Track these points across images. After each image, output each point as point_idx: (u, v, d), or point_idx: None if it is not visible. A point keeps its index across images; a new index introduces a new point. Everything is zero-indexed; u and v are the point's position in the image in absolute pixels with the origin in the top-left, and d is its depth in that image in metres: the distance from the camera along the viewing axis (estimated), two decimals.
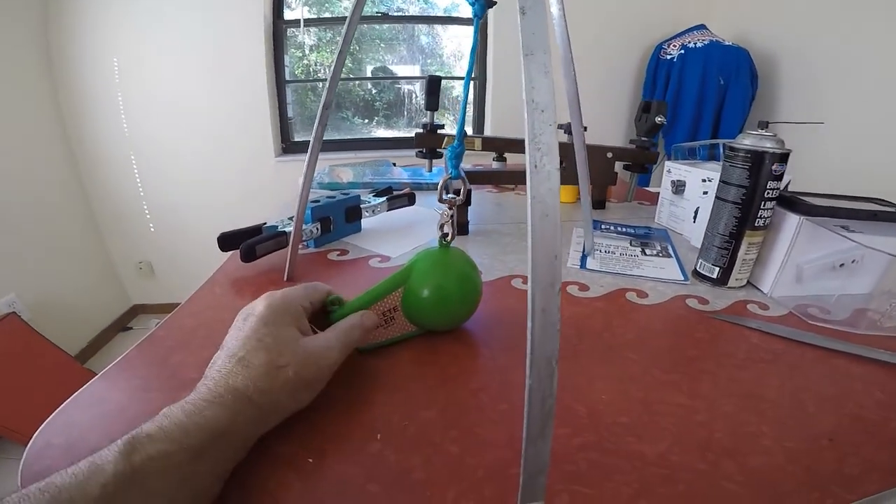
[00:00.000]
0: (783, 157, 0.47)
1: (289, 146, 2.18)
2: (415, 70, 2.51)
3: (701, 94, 1.65)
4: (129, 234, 2.19)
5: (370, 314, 0.37)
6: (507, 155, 1.04)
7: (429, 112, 0.74)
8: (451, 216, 0.40)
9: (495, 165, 1.06)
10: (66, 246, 1.99)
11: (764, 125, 0.48)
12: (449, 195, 0.40)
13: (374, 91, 2.56)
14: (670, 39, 1.81)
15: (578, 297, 0.51)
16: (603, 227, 0.73)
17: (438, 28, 2.38)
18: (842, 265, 0.51)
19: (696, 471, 0.28)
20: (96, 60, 1.86)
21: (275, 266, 0.57)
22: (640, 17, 1.94)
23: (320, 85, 2.37)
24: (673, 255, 0.62)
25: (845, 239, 0.46)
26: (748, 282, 0.54)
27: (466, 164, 1.15)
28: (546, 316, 0.19)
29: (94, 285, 2.14)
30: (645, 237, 0.68)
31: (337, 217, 0.68)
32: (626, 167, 0.82)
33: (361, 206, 0.71)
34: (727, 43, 1.67)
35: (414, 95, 2.57)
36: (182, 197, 2.12)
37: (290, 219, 0.66)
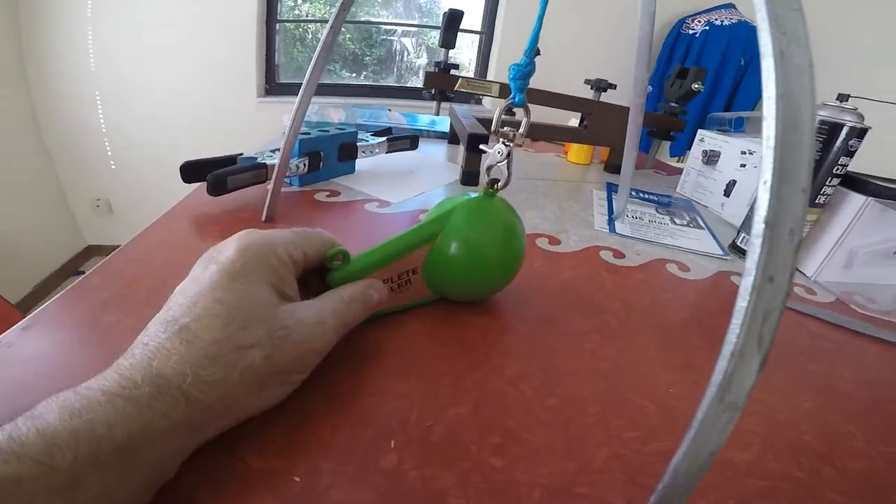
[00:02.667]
0: (862, 133, 0.42)
1: (273, 87, 2.03)
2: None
3: (719, 72, 1.61)
4: (87, 169, 2.01)
5: (380, 285, 0.28)
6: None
7: (443, 49, 0.65)
8: (509, 154, 0.31)
9: (505, 117, 0.97)
10: (10, 178, 1.80)
11: (844, 98, 0.43)
12: (507, 128, 0.31)
13: (363, 45, 2.41)
14: (695, 15, 1.75)
15: (616, 264, 0.44)
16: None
17: None
18: (895, 252, 0.46)
19: (796, 480, 0.23)
20: None
21: (249, 204, 0.48)
22: None
23: (310, 35, 2.21)
24: (705, 227, 0.56)
25: None
26: None
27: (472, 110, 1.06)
28: (774, 285, 0.12)
29: (42, 223, 1.95)
30: (669, 206, 0.62)
31: (328, 154, 0.58)
32: (650, 134, 0.76)
33: (358, 144, 0.61)
34: (754, 24, 1.62)
35: (406, 52, 2.43)
36: (150, 134, 1.95)
37: (273, 151, 0.57)
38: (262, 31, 1.89)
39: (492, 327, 0.32)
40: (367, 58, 2.44)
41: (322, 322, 0.23)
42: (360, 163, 0.64)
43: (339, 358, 0.26)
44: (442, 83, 0.66)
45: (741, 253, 0.49)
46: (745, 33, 1.61)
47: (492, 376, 0.27)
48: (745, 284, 0.13)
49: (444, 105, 0.77)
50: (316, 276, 0.27)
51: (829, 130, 0.42)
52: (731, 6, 1.77)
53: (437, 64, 0.65)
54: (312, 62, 0.37)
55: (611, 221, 0.53)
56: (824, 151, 0.43)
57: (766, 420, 0.27)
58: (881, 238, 0.45)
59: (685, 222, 0.57)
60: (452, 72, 0.67)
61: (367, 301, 0.26)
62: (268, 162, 0.52)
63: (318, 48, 0.37)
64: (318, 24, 2.23)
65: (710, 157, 0.64)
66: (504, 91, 0.70)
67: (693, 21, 1.73)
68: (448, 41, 0.63)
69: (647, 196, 0.65)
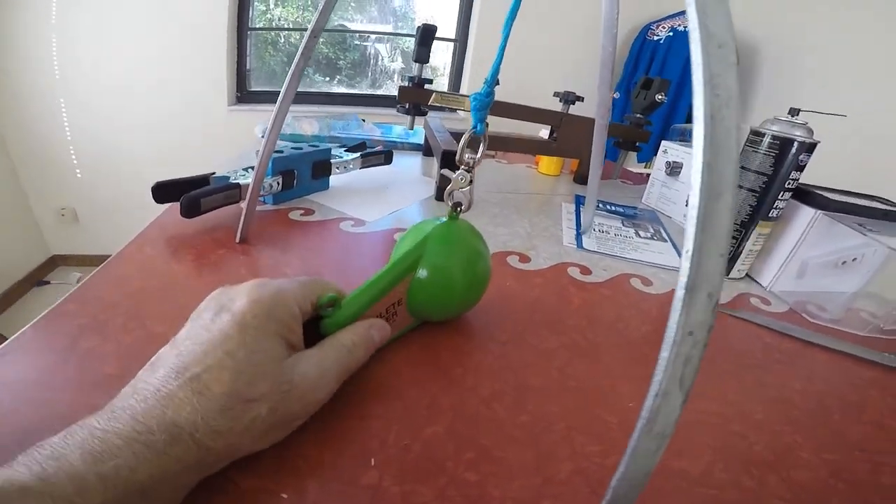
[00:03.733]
0: (811, 147, 0.44)
1: (244, 95, 2.00)
2: (386, 29, 2.37)
3: (683, 78, 1.64)
4: (52, 177, 1.95)
5: (381, 324, 0.28)
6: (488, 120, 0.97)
7: (417, 64, 0.66)
8: (471, 181, 0.33)
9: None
10: None
11: (795, 112, 0.45)
12: (470, 155, 0.32)
13: (337, 49, 2.40)
14: (660, 21, 1.79)
15: (583, 281, 0.46)
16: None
17: None
18: (843, 263, 0.49)
19: (743, 488, 0.25)
20: None
21: (223, 224, 0.48)
22: None
23: (282, 39, 2.18)
24: (668, 239, 0.58)
25: (854, 236, 0.44)
26: (746, 274, 0.51)
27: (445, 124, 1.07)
28: (693, 338, 0.14)
29: (3, 232, 1.88)
30: (634, 217, 0.65)
31: (302, 171, 0.59)
32: (616, 144, 0.78)
33: (332, 160, 0.62)
34: None
35: (380, 57, 2.43)
36: (117, 142, 1.89)
37: (246, 169, 0.57)
38: (232, 40, 1.86)
39: (465, 348, 0.34)
40: (341, 62, 2.43)
41: (324, 374, 0.24)
42: (335, 179, 0.65)
43: None
44: (416, 97, 0.67)
45: None
46: None
47: (466, 396, 0.29)
48: (668, 338, 0.14)
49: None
50: (313, 321, 0.27)
51: (781, 146, 0.44)
52: None
53: (411, 79, 0.66)
54: (282, 93, 0.38)
55: (578, 237, 0.55)
56: (776, 166, 0.45)
57: (718, 431, 0.29)
58: (830, 249, 0.48)
59: (649, 235, 0.59)
60: (426, 86, 0.67)
61: (369, 343, 0.27)
62: (241, 182, 0.52)
63: (287, 78, 0.37)
64: (290, 27, 2.21)
65: (674, 169, 0.67)
66: None
67: (658, 27, 1.77)
68: (422, 56, 0.64)
69: (613, 208, 0.68)
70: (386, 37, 2.36)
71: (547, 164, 0.83)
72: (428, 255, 0.31)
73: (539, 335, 0.36)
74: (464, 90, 2.11)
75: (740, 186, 0.46)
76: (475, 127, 0.32)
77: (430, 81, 0.67)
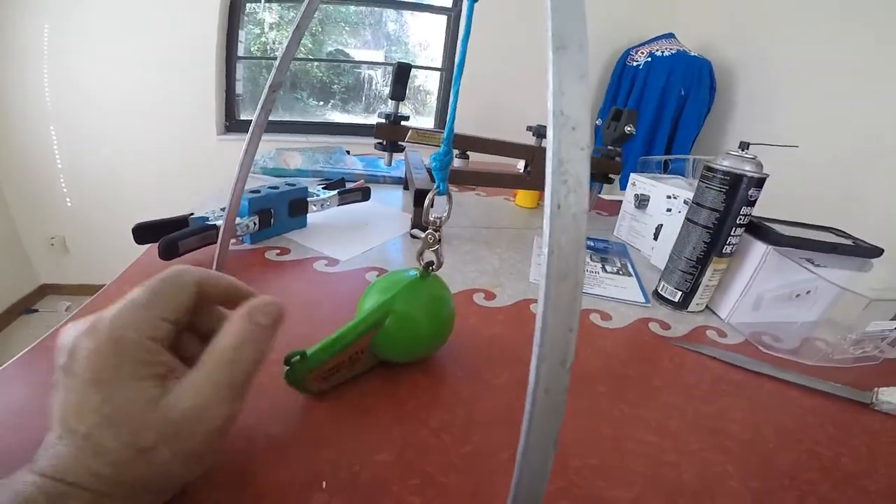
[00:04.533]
0: (760, 182, 0.46)
1: (233, 124, 2.04)
2: (378, 56, 2.42)
3: (661, 103, 1.68)
4: (41, 206, 1.96)
5: (265, 303, 0.24)
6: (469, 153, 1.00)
7: (393, 101, 0.68)
8: (439, 240, 0.34)
9: (457, 163, 1.01)
10: None
11: (745, 146, 0.47)
12: (435, 216, 0.34)
13: (331, 73, 2.45)
14: (638, 46, 1.83)
15: None
16: None
17: (407, 15, 2.29)
18: (797, 295, 0.51)
19: None
20: (25, 24, 1.63)
21: (200, 263, 0.49)
22: (609, 22, 1.95)
23: (275, 64, 2.23)
24: (633, 273, 0.60)
25: (802, 271, 0.46)
26: (706, 306, 0.53)
27: (424, 159, 1.10)
28: (550, 398, 0.15)
29: None
30: (604, 252, 0.67)
31: (279, 210, 0.61)
32: (591, 177, 0.80)
33: (309, 199, 0.64)
34: (693, 53, 1.71)
35: (375, 81, 2.48)
36: (107, 170, 1.92)
37: (224, 209, 0.59)
38: (221, 69, 1.90)
39: (422, 382, 0.35)
40: (335, 86, 2.47)
41: (206, 403, 0.21)
42: (313, 216, 0.66)
43: (276, 413, 0.30)
44: (392, 134, 0.69)
45: (663, 300, 0.53)
46: (683, 63, 1.68)
47: (416, 426, 0.31)
48: (528, 395, 0.15)
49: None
50: (203, 317, 0.25)
51: (731, 181, 0.45)
52: (671, 36, 1.85)
53: (387, 116, 0.68)
54: (250, 133, 0.40)
55: None
56: (727, 202, 0.46)
57: (652, 461, 0.31)
58: (783, 283, 0.49)
59: (615, 269, 0.61)
60: (403, 123, 0.70)
61: (257, 335, 0.23)
62: (218, 223, 0.54)
63: (248, 136, 0.39)
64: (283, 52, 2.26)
65: (641, 201, 0.69)
66: (455, 140, 0.74)
67: (636, 52, 1.81)
68: (397, 93, 0.66)
69: None
70: (381, 60, 2.40)
71: (523, 196, 0.86)
72: (395, 311, 0.33)
73: (493, 370, 0.38)
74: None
75: (695, 223, 0.48)
76: (438, 187, 0.34)
77: (406, 118, 0.69)
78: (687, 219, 0.49)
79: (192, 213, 0.57)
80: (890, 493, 0.30)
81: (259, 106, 0.38)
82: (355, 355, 0.33)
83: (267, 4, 2.01)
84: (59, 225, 2.01)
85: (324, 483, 0.26)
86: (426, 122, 2.40)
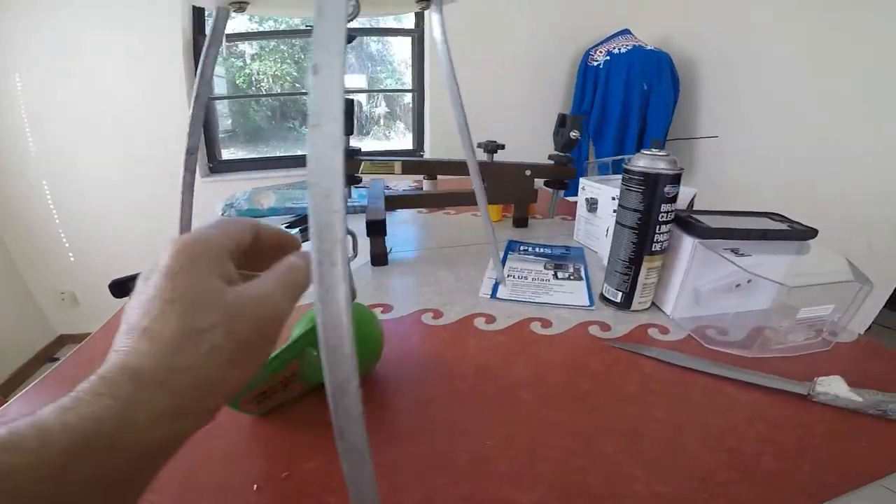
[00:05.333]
0: (675, 178, 0.47)
1: (216, 165, 2.05)
2: (362, 79, 2.46)
3: (626, 100, 1.68)
4: (48, 264, 2.03)
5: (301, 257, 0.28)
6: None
7: (345, 136, 0.71)
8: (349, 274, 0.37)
9: (426, 186, 1.04)
10: None
11: (659, 145, 0.48)
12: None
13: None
14: (597, 46, 1.84)
15: (484, 330, 0.49)
16: (521, 248, 0.72)
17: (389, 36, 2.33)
18: (738, 285, 0.52)
19: None
20: None
21: None
22: (566, 24, 1.97)
23: (264, 94, 2.29)
24: (584, 277, 0.61)
25: (727, 262, 0.46)
26: (653, 303, 0.54)
27: (401, 185, 1.13)
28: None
29: (9, 315, 1.97)
30: (561, 258, 0.68)
31: None
32: (546, 184, 0.82)
33: None
34: (649, 47, 1.72)
35: (362, 105, 2.52)
36: (103, 224, 1.97)
37: None
38: (198, 112, 1.94)
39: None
40: None
41: (271, 292, 0.23)
42: None
43: (226, 427, 0.34)
44: (347, 168, 0.72)
45: (608, 302, 0.54)
46: (641, 58, 1.68)
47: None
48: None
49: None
50: (255, 258, 0.27)
51: (647, 181, 0.46)
52: (627, 32, 1.86)
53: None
54: (181, 202, 0.43)
55: (496, 286, 0.59)
56: (647, 202, 0.47)
57: (561, 466, 0.32)
58: (717, 276, 0.50)
59: (567, 275, 0.62)
60: (356, 157, 0.73)
61: (304, 265, 0.26)
62: None
63: (182, 184, 0.42)
64: (269, 82, 2.31)
65: (592, 205, 0.71)
66: (406, 168, 0.76)
67: (596, 52, 1.82)
68: (346, 128, 0.69)
69: (540, 250, 0.71)
70: (364, 84, 2.44)
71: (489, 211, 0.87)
72: (314, 342, 0.35)
73: (426, 385, 0.40)
74: (427, 138, 2.16)
75: (623, 225, 0.50)
76: None
77: (358, 151, 0.72)
78: (616, 221, 0.51)
79: None
80: (808, 492, 0.30)
81: (182, 167, 0.41)
82: (285, 380, 0.35)
83: (239, 41, 2.07)
84: (66, 279, 2.08)
85: (255, 486, 0.30)
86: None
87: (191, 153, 0.41)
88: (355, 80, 2.47)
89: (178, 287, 0.21)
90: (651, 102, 1.67)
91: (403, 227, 0.86)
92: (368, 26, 2.19)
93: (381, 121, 2.52)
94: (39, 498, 0.16)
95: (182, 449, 0.28)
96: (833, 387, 0.38)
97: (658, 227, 0.48)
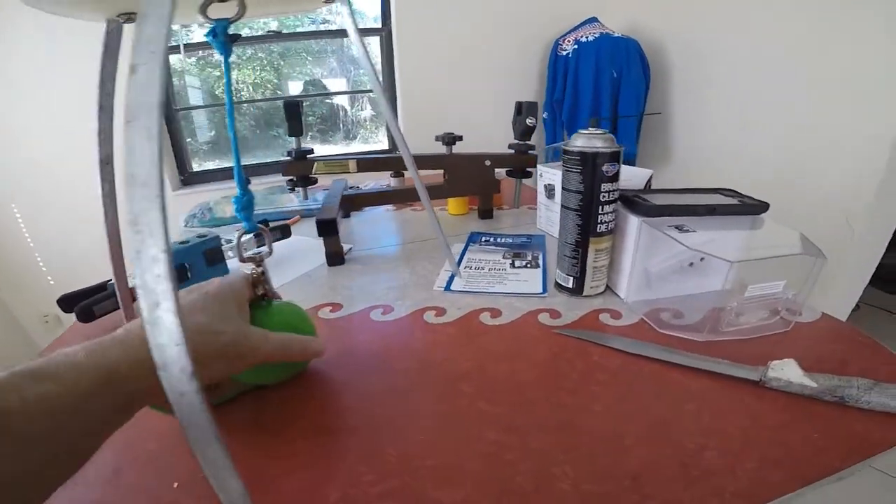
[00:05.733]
0: (614, 156, 0.45)
1: (188, 177, 2.03)
2: (341, 83, 2.45)
3: (597, 88, 1.67)
4: (28, 287, 2.01)
5: (319, 344, 0.38)
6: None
7: (294, 138, 0.70)
8: (262, 273, 0.36)
9: (393, 183, 1.03)
10: None
11: (595, 123, 0.47)
12: (250, 252, 0.36)
13: (304, 106, 2.49)
14: (565, 35, 1.82)
15: (433, 323, 0.48)
16: (483, 239, 0.71)
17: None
18: (691, 264, 0.51)
19: None
20: None
21: (117, 324, 0.52)
22: (535, 14, 1.94)
23: (244, 105, 2.27)
24: (541, 265, 0.60)
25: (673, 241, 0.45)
26: (608, 287, 0.53)
27: (370, 182, 1.11)
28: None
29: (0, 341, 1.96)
30: (521, 247, 0.67)
31: (195, 262, 0.62)
32: (508, 173, 0.81)
33: (224, 247, 0.66)
34: (616, 34, 1.71)
35: (347, 109, 2.51)
36: (77, 245, 1.95)
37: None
38: (161, 126, 1.90)
39: (291, 397, 0.38)
40: (311, 117, 2.50)
41: (269, 339, 0.33)
42: (235, 262, 0.68)
43: (160, 431, 0.34)
44: (300, 169, 0.71)
45: (561, 288, 0.53)
46: (609, 46, 1.67)
47: (271, 438, 0.34)
48: None
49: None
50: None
51: (585, 161, 0.45)
52: (594, 20, 1.84)
53: (289, 153, 0.70)
54: (103, 207, 0.41)
55: (451, 278, 0.58)
56: (587, 182, 0.46)
57: (491, 461, 0.31)
58: (667, 255, 0.49)
59: (525, 263, 0.61)
60: (309, 157, 0.71)
61: (307, 346, 0.37)
62: (131, 283, 0.57)
63: (102, 195, 0.41)
64: (249, 90, 2.30)
65: (550, 191, 0.70)
66: (362, 165, 0.75)
67: (564, 41, 1.80)
68: (294, 130, 0.68)
69: (501, 240, 0.70)
70: (345, 87, 2.43)
71: (453, 204, 0.87)
72: None
73: (367, 381, 0.40)
74: (404, 132, 2.14)
75: (567, 207, 0.49)
76: (245, 226, 0.35)
77: (311, 151, 0.71)
78: (561, 205, 0.50)
79: (110, 280, 0.59)
80: (749, 493, 0.27)
81: (100, 179, 0.40)
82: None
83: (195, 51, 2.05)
84: (47, 303, 2.06)
85: (175, 484, 0.30)
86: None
87: (106, 163, 0.40)
88: (336, 84, 2.46)
89: (215, 303, 0.31)
90: (622, 89, 1.65)
91: (367, 226, 0.85)
92: (335, 28, 2.18)
93: (367, 124, 2.50)
94: (68, 419, 0.21)
95: (112, 450, 0.31)
96: (786, 372, 0.35)
97: (601, 207, 0.47)
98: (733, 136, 1.59)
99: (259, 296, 0.37)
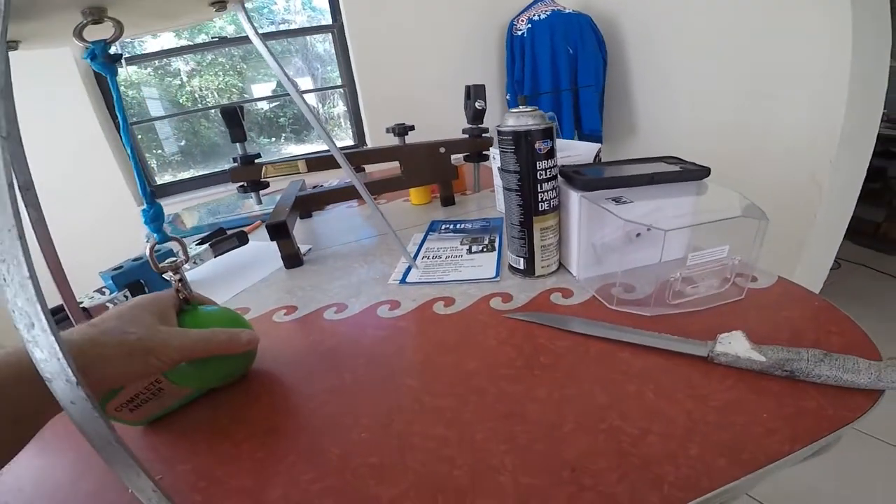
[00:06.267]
0: (546, 133, 0.45)
1: (153, 191, 1.97)
2: (307, 81, 2.40)
3: (554, 66, 1.66)
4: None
5: (253, 335, 0.39)
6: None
7: (238, 144, 0.69)
8: (180, 280, 0.37)
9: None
10: None
11: (524, 101, 0.46)
12: (167, 260, 0.36)
13: (274, 108, 2.44)
14: (519, 14, 1.80)
15: (386, 318, 0.48)
16: (443, 227, 0.71)
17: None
18: (638, 235, 0.50)
19: None
20: None
21: None
22: None
23: (212, 112, 2.23)
24: (497, 248, 0.60)
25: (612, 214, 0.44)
26: (561, 265, 0.53)
27: (333, 180, 1.10)
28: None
29: None
30: (480, 231, 0.67)
31: (151, 278, 0.62)
32: (466, 158, 0.80)
33: (178, 259, 0.65)
34: (568, 10, 1.69)
35: (319, 107, 2.47)
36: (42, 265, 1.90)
37: (98, 291, 0.61)
38: (116, 143, 1.82)
39: (238, 403, 0.39)
40: (282, 119, 2.47)
41: (187, 335, 0.35)
42: (193, 272, 0.67)
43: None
44: (249, 174, 0.70)
45: (514, 270, 0.53)
46: (562, 22, 1.65)
47: (221, 440, 0.35)
48: None
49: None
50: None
51: (517, 139, 0.44)
52: None
53: (235, 159, 0.69)
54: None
55: (407, 270, 0.57)
56: (521, 161, 0.45)
57: (431, 456, 0.30)
58: (613, 227, 0.49)
59: (482, 247, 0.61)
60: (257, 161, 0.70)
61: (234, 338, 0.37)
62: (86, 304, 0.56)
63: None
64: (215, 96, 2.25)
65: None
66: (312, 164, 0.74)
67: (518, 21, 1.78)
68: (237, 136, 0.66)
69: (460, 226, 0.70)
70: (311, 85, 2.38)
71: (415, 195, 0.86)
72: None
73: (314, 381, 0.40)
74: (367, 132, 2.10)
75: (508, 189, 0.48)
76: (157, 238, 0.34)
77: (258, 155, 0.70)
78: (503, 187, 0.49)
79: (81, 302, 0.58)
80: (688, 483, 0.26)
81: (24, 206, 0.39)
82: (153, 385, 0.35)
83: (179, 57, 2.00)
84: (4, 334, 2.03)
85: (129, 489, 0.28)
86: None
87: (26, 189, 0.38)
88: (305, 82, 2.42)
89: (130, 310, 0.33)
90: (579, 66, 1.64)
91: (329, 224, 0.84)
92: (283, 29, 2.14)
93: (342, 120, 2.47)
94: (20, 398, 0.25)
95: (72, 459, 0.35)
96: (734, 346, 0.34)
97: (539, 185, 0.46)
98: (691, 106, 1.60)
99: (184, 300, 0.38)
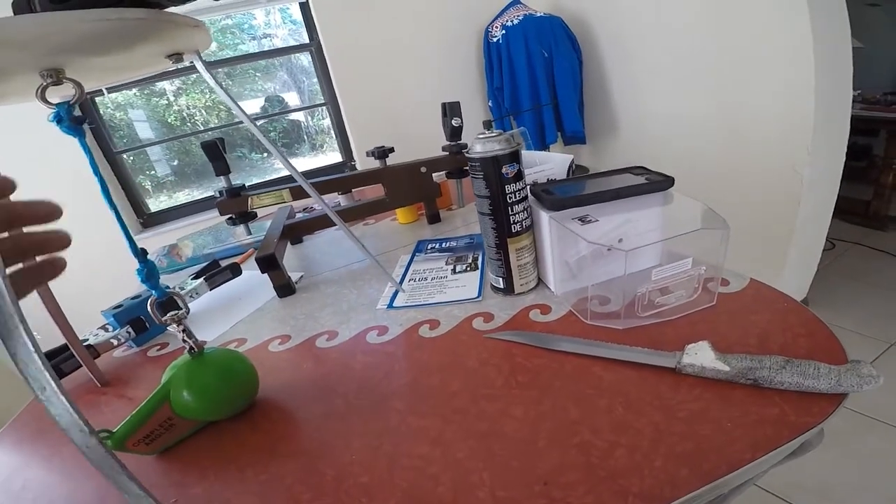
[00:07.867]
0: (513, 157, 0.47)
1: (147, 219, 1.98)
2: (294, 97, 2.42)
3: (531, 71, 1.68)
4: None
5: None
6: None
7: (223, 176, 0.71)
8: (183, 331, 0.40)
9: (343, 200, 1.03)
10: None
11: (488, 125, 0.48)
12: (169, 314, 0.39)
13: (263, 123, 2.47)
14: (493, 21, 1.83)
15: (374, 343, 0.51)
16: (429, 247, 0.73)
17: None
18: (609, 249, 0.53)
19: None
20: None
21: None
22: (460, 3, 1.93)
23: (201, 128, 2.24)
24: (480, 266, 0.62)
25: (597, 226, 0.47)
26: (540, 280, 0.55)
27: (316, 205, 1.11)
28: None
29: None
30: (465, 249, 0.69)
31: (149, 313, 0.64)
32: (448, 175, 0.83)
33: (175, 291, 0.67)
34: (539, 14, 1.72)
35: (308, 120, 2.49)
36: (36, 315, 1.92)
37: (101, 328, 0.64)
38: (105, 173, 1.86)
39: (239, 428, 0.42)
40: (272, 133, 2.49)
41: None
42: (194, 305, 0.70)
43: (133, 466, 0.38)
44: (236, 206, 0.72)
45: (495, 289, 0.55)
46: (534, 26, 1.68)
47: (226, 465, 0.38)
48: None
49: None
50: None
51: (485, 166, 0.46)
52: (517, 2, 1.84)
53: (221, 192, 0.71)
54: None
55: (394, 295, 0.60)
56: (491, 187, 0.47)
57: (416, 475, 0.33)
58: (583, 245, 0.51)
59: (465, 267, 0.63)
60: (242, 193, 0.72)
61: None
62: (92, 342, 0.60)
63: None
64: (203, 114, 2.27)
65: None
66: (296, 193, 0.76)
67: (493, 28, 1.81)
68: (220, 168, 0.68)
69: (445, 245, 0.72)
70: (297, 99, 2.40)
71: (402, 214, 0.89)
72: (176, 389, 0.39)
73: (309, 408, 0.43)
74: (354, 147, 2.12)
75: (482, 213, 0.51)
76: (155, 295, 0.37)
77: (244, 187, 0.72)
78: (477, 211, 0.52)
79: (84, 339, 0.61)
80: (650, 495, 0.27)
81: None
82: (166, 422, 0.39)
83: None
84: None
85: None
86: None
87: None
88: (291, 97, 2.44)
89: None
90: (556, 68, 1.67)
91: (320, 249, 0.86)
92: (265, 42, 2.16)
93: (329, 133, 2.49)
94: None
95: (91, 486, 0.38)
96: (700, 356, 0.35)
97: (510, 208, 0.49)
98: (667, 101, 1.62)
99: (190, 350, 0.40)
